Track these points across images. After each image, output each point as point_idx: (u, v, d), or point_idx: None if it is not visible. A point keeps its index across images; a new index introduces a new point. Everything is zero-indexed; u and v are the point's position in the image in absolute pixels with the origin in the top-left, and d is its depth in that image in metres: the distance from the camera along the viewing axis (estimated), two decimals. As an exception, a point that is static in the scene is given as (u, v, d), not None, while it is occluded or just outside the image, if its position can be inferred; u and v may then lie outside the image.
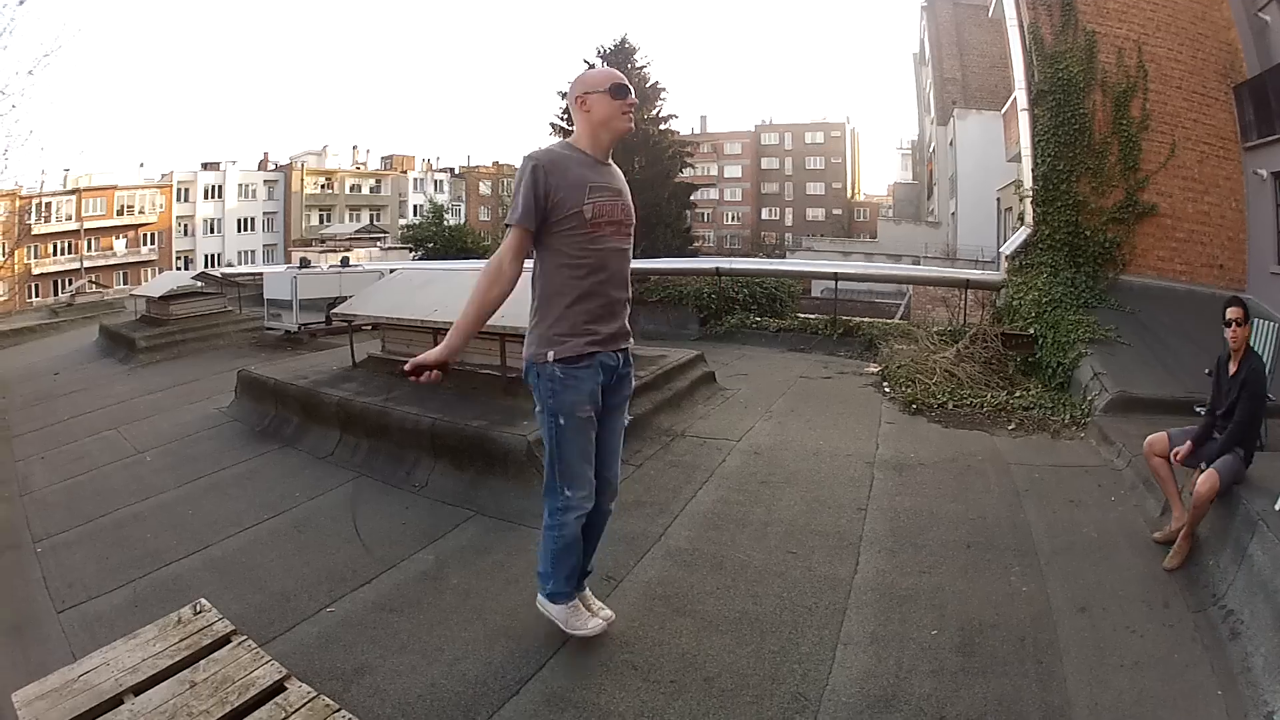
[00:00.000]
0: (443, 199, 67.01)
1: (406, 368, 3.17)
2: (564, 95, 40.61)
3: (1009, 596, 4.10)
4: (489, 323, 6.83)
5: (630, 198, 3.46)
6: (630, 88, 3.33)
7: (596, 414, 3.39)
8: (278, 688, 3.05)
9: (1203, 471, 4.28)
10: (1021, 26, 11.53)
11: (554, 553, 3.50)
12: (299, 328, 14.81)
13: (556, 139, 39.92)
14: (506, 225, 3.21)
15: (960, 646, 3.61)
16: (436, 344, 7.28)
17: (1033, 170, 11.23)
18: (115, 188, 56.92)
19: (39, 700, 3.06)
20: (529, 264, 3.31)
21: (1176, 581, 4.15)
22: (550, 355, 3.26)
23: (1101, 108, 11.00)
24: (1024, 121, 11.40)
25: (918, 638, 3.70)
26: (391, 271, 13.54)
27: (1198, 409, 4.83)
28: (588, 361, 3.30)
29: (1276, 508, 4.01)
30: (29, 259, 49.90)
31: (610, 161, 3.43)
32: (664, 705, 3.21)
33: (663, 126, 37.56)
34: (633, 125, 3.43)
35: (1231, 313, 4.54)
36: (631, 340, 3.55)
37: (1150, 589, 4.11)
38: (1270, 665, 3.23)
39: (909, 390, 8.48)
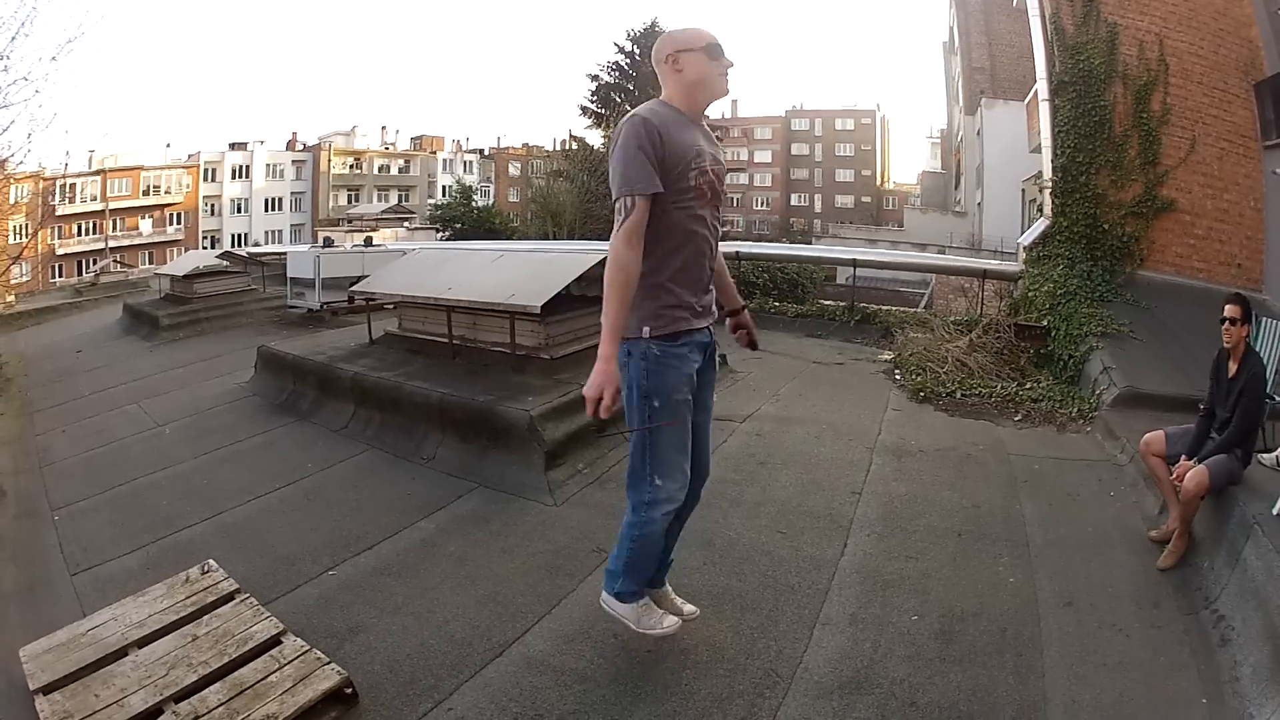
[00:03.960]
0: (472, 180, 66.69)
1: (590, 412, 2.76)
2: (594, 78, 40.22)
3: (994, 586, 4.10)
4: (498, 301, 6.91)
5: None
6: (723, 48, 3.06)
7: (693, 395, 3.13)
8: (274, 641, 3.25)
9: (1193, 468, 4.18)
10: (1043, 16, 11.37)
11: (633, 551, 3.19)
12: (321, 306, 14.98)
13: (586, 121, 39.67)
14: (623, 197, 2.85)
15: (940, 633, 3.63)
16: (450, 322, 7.20)
17: (1052, 161, 11.12)
18: (141, 168, 57.03)
19: (46, 654, 3.26)
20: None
21: (1170, 582, 4.09)
22: (646, 331, 2.96)
23: (1122, 100, 10.84)
24: (1044, 112, 11.27)
25: (897, 622, 3.73)
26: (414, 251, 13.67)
27: (1202, 406, 4.66)
28: (686, 339, 3.04)
29: (1275, 512, 3.89)
30: (52, 239, 50.24)
31: (703, 124, 3.15)
32: (639, 674, 3.32)
33: (693, 109, 37.32)
34: (729, 89, 3.12)
35: (1229, 310, 4.36)
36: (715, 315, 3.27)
37: (1142, 588, 4.06)
38: (1259, 675, 3.15)
39: (919, 378, 8.51)
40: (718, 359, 3.45)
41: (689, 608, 3.54)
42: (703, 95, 3.08)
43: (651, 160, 2.83)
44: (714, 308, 3.23)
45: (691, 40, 3.03)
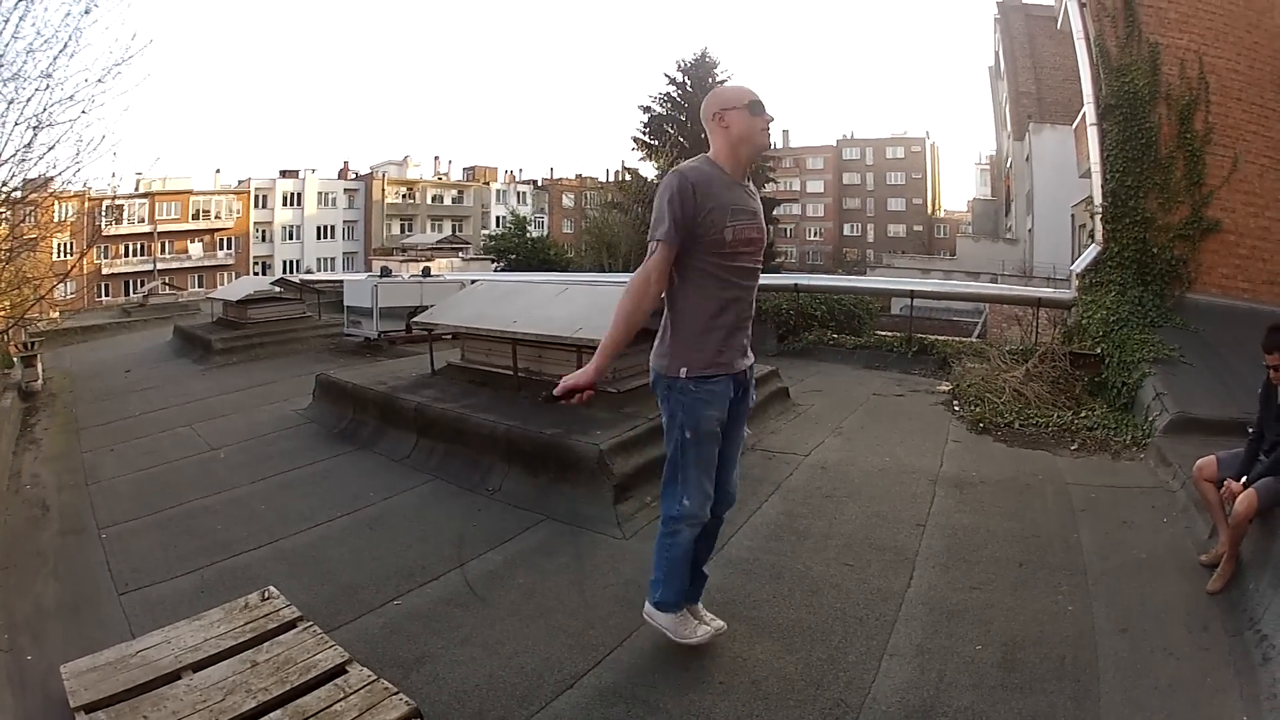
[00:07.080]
0: (525, 211, 67.74)
1: (556, 391, 3.21)
2: (645, 109, 40.67)
3: (1054, 615, 4.11)
4: (565, 335, 7.03)
5: (763, 217, 3.47)
6: (765, 104, 3.34)
7: (723, 427, 3.44)
8: (339, 670, 3.23)
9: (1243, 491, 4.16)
10: (1088, 38, 11.32)
11: (668, 561, 3.55)
12: (379, 335, 15.11)
13: (639, 152, 40.05)
14: (652, 240, 3.20)
15: (1002, 662, 3.65)
16: (515, 355, 7.42)
17: (1102, 186, 11.00)
18: (190, 192, 58.34)
19: (90, 672, 3.21)
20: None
21: (1218, 605, 4.09)
22: (683, 372, 3.29)
23: (1167, 121, 10.69)
24: (1093, 136, 11.18)
25: (962, 652, 3.75)
26: (473, 282, 13.80)
27: (1250, 430, 4.63)
28: (720, 378, 3.35)
29: None
30: (98, 258, 51.10)
31: (746, 180, 3.47)
32: (711, 705, 3.34)
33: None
34: (770, 142, 3.46)
35: (1270, 359, 4.32)
36: (753, 355, 3.59)
37: (1192, 611, 4.08)
38: (1294, 692, 3.15)
39: (977, 409, 8.50)
40: (753, 393, 3.70)
41: (717, 622, 3.78)
42: (746, 150, 3.36)
43: (679, 214, 3.15)
44: (749, 350, 3.53)
45: (735, 98, 3.34)
